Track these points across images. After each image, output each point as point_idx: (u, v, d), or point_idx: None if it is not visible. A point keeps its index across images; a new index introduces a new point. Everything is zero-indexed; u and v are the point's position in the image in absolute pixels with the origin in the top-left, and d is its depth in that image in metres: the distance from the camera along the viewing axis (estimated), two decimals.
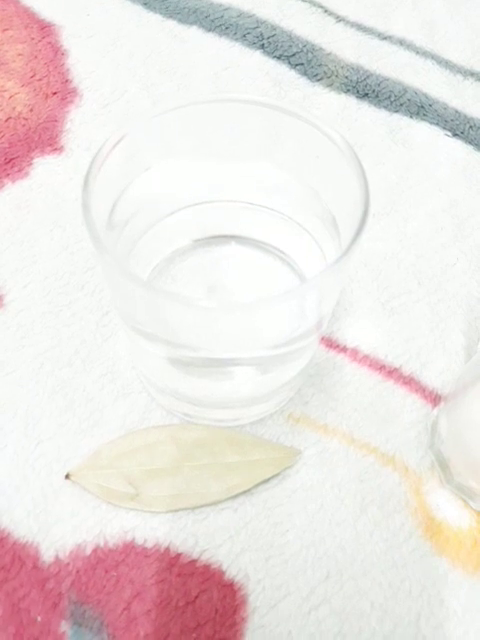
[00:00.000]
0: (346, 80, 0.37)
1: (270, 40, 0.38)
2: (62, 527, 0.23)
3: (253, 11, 0.39)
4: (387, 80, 0.37)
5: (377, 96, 0.36)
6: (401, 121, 0.35)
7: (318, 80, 0.37)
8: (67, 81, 0.35)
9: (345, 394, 0.27)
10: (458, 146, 0.35)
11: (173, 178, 0.23)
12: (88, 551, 0.23)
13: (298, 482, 0.25)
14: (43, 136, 0.33)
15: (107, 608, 0.22)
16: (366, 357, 0.28)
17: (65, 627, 0.22)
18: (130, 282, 0.17)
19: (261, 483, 0.24)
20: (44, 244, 0.30)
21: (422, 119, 0.36)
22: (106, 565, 0.23)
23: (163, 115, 0.20)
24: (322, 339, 0.28)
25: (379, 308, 0.29)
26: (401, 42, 0.39)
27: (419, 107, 0.36)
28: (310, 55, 0.37)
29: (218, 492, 0.24)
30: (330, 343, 0.28)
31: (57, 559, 0.23)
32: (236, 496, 0.24)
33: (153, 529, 0.23)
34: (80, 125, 0.34)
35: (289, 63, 0.37)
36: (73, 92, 0.35)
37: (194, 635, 0.22)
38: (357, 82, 0.37)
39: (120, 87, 0.35)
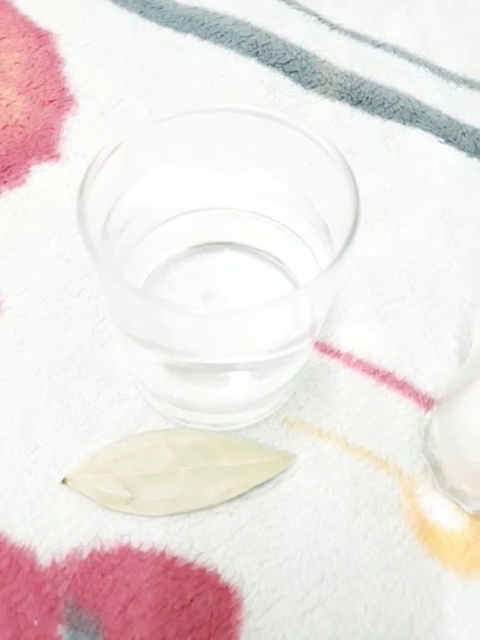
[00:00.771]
0: (340, 87, 0.37)
1: (265, 48, 0.38)
2: (58, 531, 0.23)
3: (248, 19, 0.39)
4: (381, 87, 0.37)
5: (371, 103, 0.37)
6: (395, 128, 0.36)
7: (312, 87, 0.37)
8: (64, 89, 0.36)
9: (339, 398, 0.27)
10: (451, 153, 0.35)
11: (168, 186, 0.23)
12: (84, 555, 0.23)
13: (292, 486, 0.25)
14: (40, 144, 0.33)
15: (103, 612, 0.22)
16: (360, 362, 0.28)
17: (61, 631, 0.22)
18: (125, 290, 0.18)
19: (256, 487, 0.24)
20: (41, 251, 0.30)
21: (415, 126, 0.36)
22: (102, 569, 0.23)
23: (158, 124, 0.21)
24: (316, 344, 0.28)
25: (373, 313, 0.29)
26: (395, 50, 0.39)
27: (412, 114, 0.36)
28: (304, 63, 0.38)
29: (213, 496, 0.24)
30: (324, 348, 0.28)
31: (53, 563, 0.23)
32: (231, 500, 0.24)
33: (149, 533, 0.24)
34: (77, 133, 0.34)
35: (283, 71, 0.37)
36: (70, 100, 0.35)
37: (190, 638, 0.22)
38: (351, 89, 0.37)
39: (116, 95, 0.36)
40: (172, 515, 0.24)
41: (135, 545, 0.23)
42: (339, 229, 0.19)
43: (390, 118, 0.36)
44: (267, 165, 0.22)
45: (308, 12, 0.40)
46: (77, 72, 0.36)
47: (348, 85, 0.37)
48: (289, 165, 0.22)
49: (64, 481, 0.24)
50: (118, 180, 0.21)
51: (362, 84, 0.37)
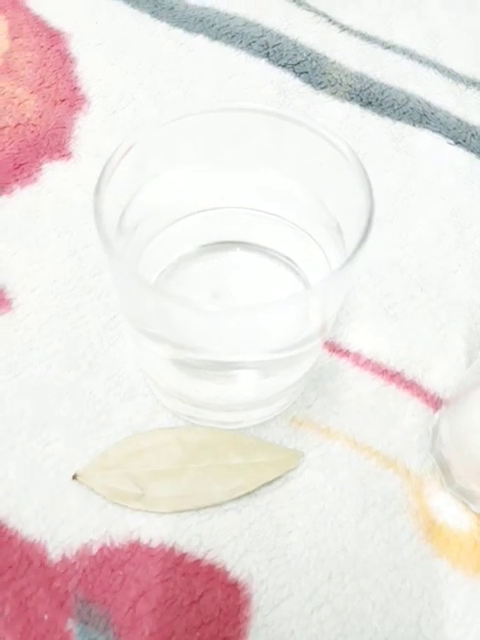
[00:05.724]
0: (350, 88, 0.37)
1: (275, 48, 0.38)
2: (69, 527, 0.24)
3: (258, 20, 0.39)
4: (390, 88, 0.37)
5: (380, 104, 0.37)
6: (404, 129, 0.36)
7: (322, 88, 0.37)
8: (75, 88, 0.36)
9: (347, 398, 0.27)
10: (460, 154, 0.35)
11: (180, 185, 0.23)
12: (94, 550, 0.23)
13: (301, 484, 0.25)
14: (52, 142, 0.34)
15: (113, 607, 0.22)
16: (368, 361, 0.28)
17: (71, 625, 0.22)
18: (139, 286, 0.18)
19: (264, 485, 0.25)
20: (52, 249, 0.30)
21: (425, 127, 0.36)
22: (112, 564, 0.23)
23: (171, 124, 0.21)
24: (325, 343, 0.28)
25: (382, 313, 0.29)
26: (404, 51, 0.39)
27: (422, 115, 0.36)
28: (314, 63, 0.38)
29: (222, 493, 0.24)
30: (333, 347, 0.28)
31: (64, 558, 0.23)
32: (240, 497, 0.24)
33: (158, 529, 0.24)
34: (88, 132, 0.34)
35: (294, 71, 0.38)
36: (81, 99, 0.35)
37: (198, 634, 0.22)
38: (361, 90, 0.37)
39: (127, 95, 0.36)
40: (181, 512, 0.24)
41: (145, 541, 0.24)
42: (352, 228, 0.19)
43: (400, 119, 0.36)
44: (279, 164, 0.22)
45: (318, 13, 0.40)
46: (89, 71, 0.36)
47: (358, 86, 0.37)
48: (301, 164, 0.22)
49: (75, 477, 0.24)
50: (132, 179, 0.21)
51: (372, 85, 0.37)
